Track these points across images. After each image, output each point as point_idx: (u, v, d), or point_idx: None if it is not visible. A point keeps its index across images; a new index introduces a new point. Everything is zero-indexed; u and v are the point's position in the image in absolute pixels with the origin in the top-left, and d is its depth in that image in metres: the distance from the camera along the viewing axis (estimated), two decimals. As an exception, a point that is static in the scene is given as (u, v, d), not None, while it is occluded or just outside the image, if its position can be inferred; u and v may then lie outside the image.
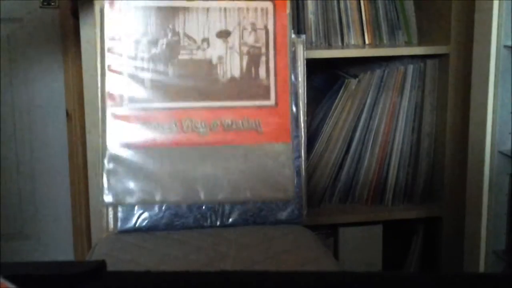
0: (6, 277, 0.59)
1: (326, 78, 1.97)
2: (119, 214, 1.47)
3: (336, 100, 1.83)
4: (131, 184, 1.44)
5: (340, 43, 1.90)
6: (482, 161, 1.60)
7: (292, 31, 1.55)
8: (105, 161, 1.43)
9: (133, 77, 1.44)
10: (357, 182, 1.91)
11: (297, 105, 1.44)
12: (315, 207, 1.88)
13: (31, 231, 2.17)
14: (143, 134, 1.43)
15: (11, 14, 2.05)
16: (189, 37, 1.44)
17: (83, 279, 0.72)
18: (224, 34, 1.45)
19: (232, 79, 1.44)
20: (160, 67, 1.44)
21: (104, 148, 1.44)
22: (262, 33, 1.46)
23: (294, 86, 1.45)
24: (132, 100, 1.44)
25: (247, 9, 1.45)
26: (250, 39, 1.45)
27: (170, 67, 1.44)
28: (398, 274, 0.85)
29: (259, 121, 1.44)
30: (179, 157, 1.43)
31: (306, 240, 1.38)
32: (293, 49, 1.46)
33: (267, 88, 1.45)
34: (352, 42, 1.91)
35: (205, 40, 1.44)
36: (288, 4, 1.49)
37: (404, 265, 2.00)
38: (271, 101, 1.46)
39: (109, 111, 1.43)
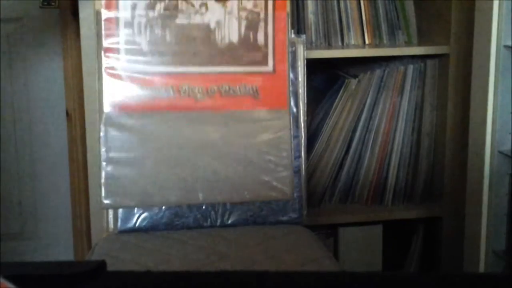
0: (6, 277, 0.59)
1: (326, 78, 1.97)
2: (119, 214, 1.47)
3: (336, 100, 1.83)
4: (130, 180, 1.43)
5: (340, 43, 1.90)
6: (482, 161, 1.60)
7: (292, 30, 1.55)
8: (102, 126, 1.43)
9: (130, 41, 1.43)
10: (357, 182, 1.91)
11: (297, 105, 1.44)
12: (315, 207, 1.88)
13: (31, 231, 2.17)
14: (140, 98, 1.43)
15: (11, 14, 2.05)
16: (187, 1, 1.43)
17: (83, 279, 0.72)
18: None
19: (230, 44, 1.44)
20: (158, 32, 1.43)
21: (100, 110, 1.43)
22: None
23: (294, 86, 1.45)
24: (129, 62, 1.44)
25: None
26: (248, 4, 1.44)
27: (168, 32, 1.43)
28: (398, 274, 0.85)
29: (256, 87, 1.43)
30: (175, 122, 1.42)
31: (306, 240, 1.38)
32: (293, 49, 1.46)
33: (265, 54, 1.45)
34: (352, 42, 1.91)
35: (203, 4, 1.44)
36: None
37: (404, 265, 2.00)
38: (269, 67, 1.45)
39: (106, 72, 1.43)
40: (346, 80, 1.83)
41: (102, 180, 1.42)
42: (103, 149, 1.44)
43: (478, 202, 1.63)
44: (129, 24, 1.43)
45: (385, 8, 1.92)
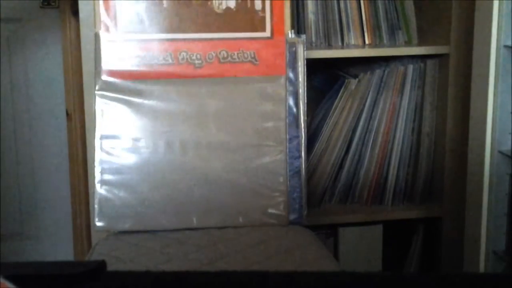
0: (6, 277, 0.59)
1: (326, 78, 1.97)
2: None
3: (336, 100, 1.83)
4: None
5: (340, 43, 1.90)
6: (482, 161, 1.60)
7: (292, 30, 1.55)
8: (96, 88, 1.42)
9: (127, 7, 1.43)
10: (357, 182, 1.91)
11: (297, 105, 1.44)
12: (315, 207, 1.88)
13: (31, 231, 2.17)
14: (138, 65, 1.43)
15: (11, 14, 2.05)
16: None
17: (83, 279, 0.72)
18: None
19: (228, 10, 1.44)
20: None
21: (97, 74, 1.43)
22: None
23: (294, 86, 1.45)
24: (127, 30, 1.44)
25: None
26: None
27: None
28: (398, 274, 0.85)
29: (254, 53, 1.43)
30: (173, 90, 1.42)
31: (306, 240, 1.38)
32: (293, 49, 1.45)
33: (263, 19, 1.45)
34: (352, 42, 1.91)
35: None
36: None
37: (404, 265, 2.00)
38: (267, 33, 1.45)
39: (104, 39, 1.43)
40: (346, 80, 1.83)
41: (96, 202, 1.42)
42: (98, 171, 1.43)
43: (478, 202, 1.62)
44: None
45: (385, 8, 1.92)
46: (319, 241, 1.43)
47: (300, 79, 1.45)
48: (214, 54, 1.42)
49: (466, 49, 1.73)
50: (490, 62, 1.55)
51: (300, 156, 1.45)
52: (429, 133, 1.90)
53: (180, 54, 1.42)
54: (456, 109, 1.82)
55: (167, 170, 1.43)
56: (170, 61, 1.42)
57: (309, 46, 1.84)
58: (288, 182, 1.45)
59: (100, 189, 1.42)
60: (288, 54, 1.43)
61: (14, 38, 2.08)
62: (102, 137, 1.43)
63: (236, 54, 1.43)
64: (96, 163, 1.43)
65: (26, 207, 2.15)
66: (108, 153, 1.42)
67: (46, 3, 2.02)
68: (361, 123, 1.86)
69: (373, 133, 1.87)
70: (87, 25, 1.66)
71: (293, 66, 1.44)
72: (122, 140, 1.44)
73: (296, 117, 1.43)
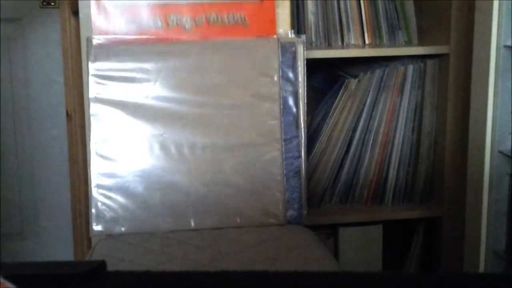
0: (6, 277, 0.59)
1: (326, 78, 1.97)
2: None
3: (336, 100, 1.83)
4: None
5: (340, 43, 1.90)
6: (482, 161, 1.60)
7: (292, 30, 1.55)
8: (91, 53, 1.41)
9: None
10: (357, 182, 1.91)
11: (297, 105, 1.44)
12: (315, 207, 1.88)
13: (31, 231, 2.17)
14: (128, 30, 1.42)
15: (11, 14, 2.05)
16: None
17: (83, 279, 0.72)
18: None
19: None
20: None
21: (89, 36, 1.43)
22: None
23: (294, 86, 1.45)
24: None
25: None
26: None
27: None
28: (398, 274, 0.85)
29: (245, 15, 1.42)
30: (165, 53, 1.41)
31: (306, 240, 1.38)
32: (293, 49, 1.45)
33: None
34: (352, 42, 1.91)
35: None
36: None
37: (404, 265, 2.00)
38: None
39: (94, 4, 1.42)
40: (346, 80, 1.83)
41: (93, 206, 1.41)
42: (94, 175, 1.42)
43: (478, 202, 1.62)
44: None
45: (385, 8, 1.92)
46: (319, 241, 1.43)
47: (300, 79, 1.44)
48: (204, 17, 1.41)
49: (466, 49, 1.73)
50: (490, 62, 1.55)
51: (300, 156, 1.45)
52: (429, 133, 1.90)
53: (169, 17, 1.41)
54: (456, 109, 1.82)
55: (162, 172, 1.42)
56: (160, 24, 1.42)
57: (309, 46, 1.84)
58: (285, 181, 1.44)
59: (96, 193, 1.41)
60: (288, 54, 1.43)
61: (14, 38, 2.08)
62: (97, 141, 1.43)
63: (226, 16, 1.42)
64: (92, 167, 1.42)
65: (26, 207, 2.15)
66: (103, 157, 1.41)
67: (46, 3, 2.02)
68: (361, 123, 1.86)
69: (373, 133, 1.87)
70: (86, 26, 1.67)
71: (292, 66, 1.44)
72: (116, 143, 1.43)
73: (296, 117, 1.43)
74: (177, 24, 1.41)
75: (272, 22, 1.42)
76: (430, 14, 1.90)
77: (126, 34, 1.42)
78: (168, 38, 1.42)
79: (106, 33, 1.43)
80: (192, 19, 1.40)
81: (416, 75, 1.86)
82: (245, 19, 1.41)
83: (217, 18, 1.40)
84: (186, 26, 1.40)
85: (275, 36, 1.42)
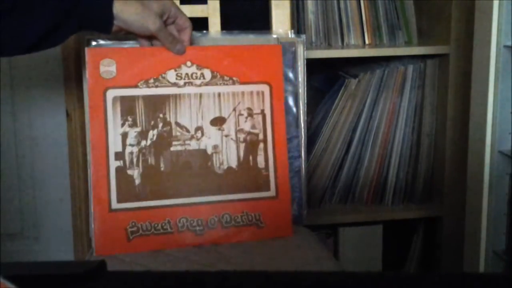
0: (6, 277, 0.59)
1: (326, 78, 1.97)
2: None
3: (336, 100, 1.83)
4: None
5: (340, 43, 1.90)
6: (482, 161, 1.60)
7: (292, 30, 1.55)
8: None
9: (121, 174, 1.31)
10: (357, 182, 1.91)
11: (297, 105, 1.44)
12: (315, 207, 1.88)
13: (31, 231, 2.17)
14: (134, 239, 1.30)
15: (11, 14, 2.05)
16: (181, 126, 1.32)
17: (83, 279, 0.72)
18: (219, 121, 1.33)
19: (229, 169, 1.33)
20: (151, 161, 1.31)
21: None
22: (259, 118, 1.35)
23: (294, 86, 1.45)
24: (120, 200, 1.30)
25: (243, 93, 1.34)
26: (246, 125, 1.34)
27: (162, 160, 1.31)
28: (398, 274, 0.85)
29: (259, 214, 1.34)
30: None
31: (306, 240, 1.38)
32: (293, 49, 1.45)
33: (267, 178, 1.34)
34: (352, 42, 1.91)
35: (199, 128, 1.33)
36: (283, 87, 1.39)
37: (404, 265, 2.00)
38: (271, 192, 1.34)
39: (97, 210, 1.32)
40: (346, 80, 1.83)
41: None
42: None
43: (478, 202, 1.63)
44: (119, 155, 1.31)
45: (385, 8, 1.92)
46: (319, 241, 1.43)
47: (300, 79, 1.44)
48: (216, 219, 1.31)
49: (466, 49, 1.73)
50: (490, 62, 1.55)
51: (300, 156, 1.45)
52: (429, 133, 1.90)
53: (179, 220, 1.30)
54: (456, 109, 1.83)
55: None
56: (169, 229, 1.30)
57: (309, 46, 1.84)
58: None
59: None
60: (288, 54, 1.43)
61: (14, 38, 2.08)
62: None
63: (240, 216, 1.32)
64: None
65: (26, 207, 2.15)
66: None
67: (46, 3, 2.02)
68: (361, 123, 1.86)
69: (373, 133, 1.87)
70: (87, 25, 1.66)
71: (292, 66, 1.44)
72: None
73: (296, 117, 1.43)
74: (187, 227, 1.31)
75: (287, 219, 1.36)
76: (430, 14, 1.90)
77: (131, 243, 1.30)
78: (177, 243, 1.32)
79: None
80: (204, 221, 1.30)
81: (416, 75, 1.86)
82: (259, 219, 1.33)
83: (230, 219, 1.31)
84: (197, 229, 1.31)
85: (291, 236, 1.35)
